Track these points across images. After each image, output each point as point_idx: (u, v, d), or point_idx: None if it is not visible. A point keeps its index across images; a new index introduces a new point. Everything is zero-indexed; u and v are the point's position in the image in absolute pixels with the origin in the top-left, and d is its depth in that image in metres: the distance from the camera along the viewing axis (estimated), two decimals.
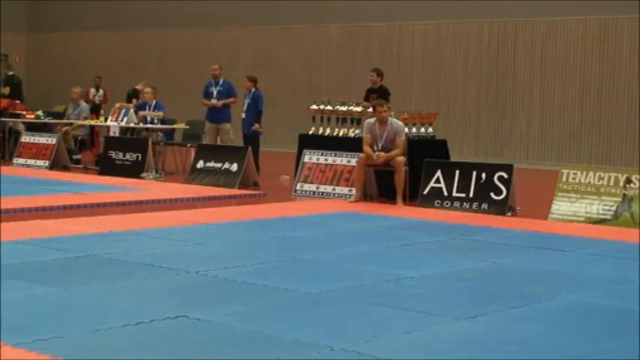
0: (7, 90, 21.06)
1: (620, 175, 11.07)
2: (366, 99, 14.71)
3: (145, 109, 16.85)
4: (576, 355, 5.06)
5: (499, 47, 20.55)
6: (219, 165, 14.20)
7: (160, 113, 16.60)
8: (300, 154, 13.75)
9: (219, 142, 15.85)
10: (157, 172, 15.44)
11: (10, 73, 22.06)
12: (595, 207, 10.97)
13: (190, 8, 25.45)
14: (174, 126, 17.34)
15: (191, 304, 5.89)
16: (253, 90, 15.93)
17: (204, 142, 15.71)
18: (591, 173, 11.28)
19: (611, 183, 11.01)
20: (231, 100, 16.25)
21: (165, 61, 26.10)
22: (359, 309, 6.01)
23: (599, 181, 11.12)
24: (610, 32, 19.12)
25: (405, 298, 6.44)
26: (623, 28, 18.94)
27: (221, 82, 16.33)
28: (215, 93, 16.17)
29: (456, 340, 5.32)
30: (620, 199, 10.84)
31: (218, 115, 16.14)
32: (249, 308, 5.89)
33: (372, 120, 12.57)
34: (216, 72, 16.35)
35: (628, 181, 10.93)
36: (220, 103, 16.05)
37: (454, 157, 13.60)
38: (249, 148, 14.39)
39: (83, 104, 18.53)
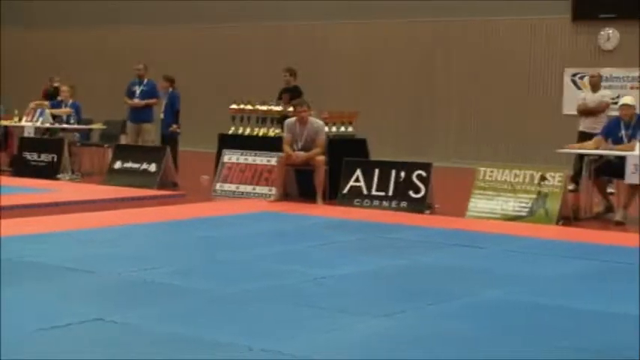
0: None
1: (535, 173, 11.29)
2: (280, 98, 14.80)
3: (60, 108, 16.64)
4: (493, 349, 5.15)
5: (418, 47, 20.73)
6: (137, 165, 14.08)
7: (68, 110, 16.39)
8: (219, 154, 13.73)
9: (140, 142, 15.73)
10: (73, 173, 15.25)
11: None
12: (511, 204, 11.17)
13: (108, 5, 25.14)
14: (91, 126, 17.13)
15: (110, 307, 5.86)
16: (170, 90, 15.85)
17: (125, 142, 15.60)
18: (507, 171, 11.48)
19: (527, 180, 11.22)
20: (153, 100, 16.15)
21: (81, 60, 25.73)
22: (279, 309, 6.04)
23: (514, 178, 11.33)
24: (524, 32, 19.43)
25: (325, 297, 6.48)
26: (540, 29, 19.28)
27: (145, 81, 16.19)
28: (138, 92, 16.02)
29: (375, 337, 5.37)
30: (535, 196, 11.06)
31: (140, 115, 16.00)
32: (169, 310, 5.88)
33: (293, 119, 12.62)
34: (140, 71, 16.24)
35: (543, 178, 11.16)
36: (143, 102, 15.95)
37: (374, 157, 13.70)
38: (168, 148, 14.32)
39: None
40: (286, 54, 21.89)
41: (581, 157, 12.40)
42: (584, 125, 14.14)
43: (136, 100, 15.95)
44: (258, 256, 8.10)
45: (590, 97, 14.35)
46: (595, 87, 14.49)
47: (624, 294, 6.75)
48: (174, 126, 15.58)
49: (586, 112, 14.19)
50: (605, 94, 14.49)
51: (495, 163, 13.62)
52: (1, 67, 25.94)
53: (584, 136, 13.57)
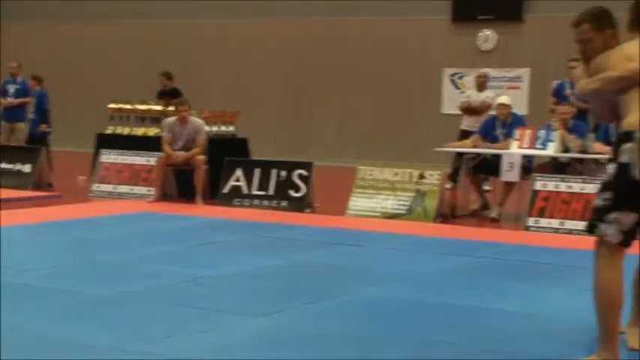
0: None
1: (414, 171, 11.47)
2: (160, 98, 14.73)
3: None
4: (372, 347, 5.21)
5: (298, 45, 20.81)
6: (11, 166, 13.76)
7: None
8: (96, 154, 13.52)
9: (13, 142, 15.40)
10: None
11: None
12: (390, 202, 11.31)
13: None
14: None
15: None
16: (38, 89, 15.59)
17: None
18: (387, 170, 11.63)
19: (406, 179, 11.39)
20: (27, 99, 15.88)
21: None
22: (156, 310, 5.99)
23: (394, 177, 11.49)
24: (404, 32, 19.70)
25: (203, 297, 6.45)
26: (419, 29, 19.58)
27: (19, 80, 15.96)
28: (12, 91, 15.77)
29: (252, 337, 5.38)
30: (414, 194, 11.23)
31: (14, 115, 15.76)
32: (43, 313, 5.76)
33: (173, 119, 12.52)
34: (14, 70, 15.95)
35: (421, 176, 11.34)
36: (17, 101, 15.66)
37: (255, 156, 13.71)
38: (43, 148, 14.03)
39: None
40: (164, 53, 21.73)
41: (459, 155, 12.63)
42: (466, 124, 14.42)
43: (10, 100, 15.64)
44: (137, 257, 8.01)
45: (474, 97, 14.63)
46: (481, 87, 14.73)
47: (498, 289, 6.91)
48: (44, 125, 15.33)
49: (469, 110, 14.47)
50: (489, 94, 14.84)
51: (375, 162, 13.77)
52: None
53: (466, 135, 13.82)
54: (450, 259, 8.31)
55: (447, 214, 11.28)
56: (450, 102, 18.21)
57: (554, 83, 13.25)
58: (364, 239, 9.41)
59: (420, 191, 11.19)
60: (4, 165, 13.79)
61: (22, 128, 15.81)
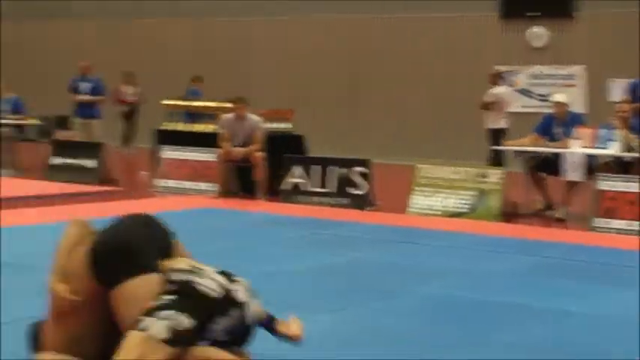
0: None
1: (474, 170, 11.34)
2: None
3: (1, 106, 16.40)
4: (433, 345, 5.16)
5: (355, 43, 20.71)
6: (76, 161, 13.90)
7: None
8: (154, 150, 13.56)
9: (86, 138, 15.74)
10: (14, 168, 14.97)
11: None
12: (451, 201, 11.18)
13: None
14: (26, 121, 16.79)
15: None
16: (194, 88, 16.35)
17: (72, 138, 15.55)
18: (447, 168, 11.50)
19: (467, 177, 11.25)
20: (99, 98, 16.30)
21: (13, 55, 25.24)
22: None
23: (454, 175, 11.35)
24: (456, 30, 19.52)
25: (266, 293, 6.35)
26: (468, 26, 19.38)
27: (92, 78, 16.38)
28: (83, 89, 16.11)
29: (317, 335, 5.31)
30: (475, 193, 11.08)
31: (88, 112, 16.13)
32: None
33: (230, 116, 12.51)
34: (85, 68, 16.30)
35: (483, 175, 11.19)
36: (87, 98, 16.10)
37: (313, 153, 13.65)
38: (105, 144, 14.17)
39: None
40: (219, 51, 21.78)
41: (496, 152, 13.08)
42: (489, 122, 15.09)
43: (82, 96, 16.03)
44: (199, 252, 7.92)
45: (489, 93, 15.17)
46: (494, 82, 15.26)
47: (564, 290, 6.80)
48: None
49: (484, 106, 15.09)
50: (501, 91, 15.01)
51: (430, 159, 13.62)
52: None
53: (490, 133, 14.67)
54: (515, 258, 8.19)
55: (510, 214, 11.10)
56: None
57: (629, 82, 13.01)
58: (426, 237, 9.34)
59: (482, 190, 11.04)
60: (69, 160, 13.92)
61: (96, 125, 16.14)
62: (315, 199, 11.95)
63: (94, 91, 16.30)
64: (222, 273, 4.29)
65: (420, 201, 11.34)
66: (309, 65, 21.12)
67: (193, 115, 14.60)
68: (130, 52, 23.19)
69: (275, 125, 13.47)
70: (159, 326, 3.83)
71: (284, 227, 9.81)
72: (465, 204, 11.06)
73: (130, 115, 18.51)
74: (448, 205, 11.16)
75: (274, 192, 12.29)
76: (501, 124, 14.87)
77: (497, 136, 14.68)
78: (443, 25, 19.61)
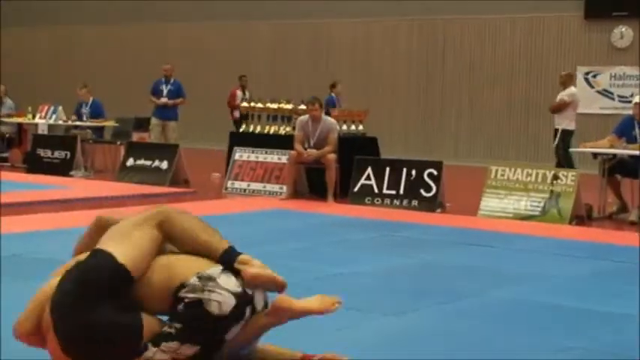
0: None
1: (547, 172, 11.19)
2: None
3: (81, 109, 16.73)
4: (504, 349, 5.08)
5: (429, 45, 20.64)
6: (149, 163, 14.04)
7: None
8: (230, 152, 13.64)
9: (163, 140, 15.98)
10: (85, 170, 15.21)
11: None
12: (523, 203, 11.05)
13: (125, 4, 25.12)
14: (104, 123, 17.07)
15: None
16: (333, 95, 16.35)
17: (148, 139, 15.72)
18: (519, 170, 11.37)
19: (539, 179, 11.11)
20: (180, 100, 16.57)
21: (93, 58, 25.71)
22: None
23: (526, 177, 11.21)
24: (537, 31, 19.30)
25: (339, 294, 6.36)
26: (551, 26, 19.14)
27: (172, 81, 16.65)
28: (165, 92, 16.45)
29: (385, 336, 5.31)
30: (547, 196, 10.93)
31: (167, 113, 16.44)
32: None
33: (305, 117, 12.52)
34: (168, 71, 16.61)
35: (555, 177, 11.03)
36: (171, 102, 16.42)
37: (384, 155, 13.61)
38: (179, 145, 14.29)
39: (8, 101, 18.19)
40: (294, 52, 21.85)
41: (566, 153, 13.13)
42: (556, 122, 14.90)
43: (164, 100, 16.38)
44: (269, 253, 7.95)
45: (559, 95, 14.98)
46: (564, 85, 15.08)
47: (636, 295, 6.62)
48: None
49: (551, 109, 15.09)
50: (569, 92, 14.83)
51: (506, 161, 13.49)
52: (3, 65, 25.89)
53: (562, 133, 14.54)
54: (587, 262, 8.06)
55: (584, 216, 10.92)
56: (584, 101, 17.67)
57: None
58: (497, 240, 9.24)
59: (555, 192, 10.89)
60: (142, 162, 14.08)
61: (174, 127, 16.43)
62: (386, 200, 11.91)
63: (175, 93, 16.56)
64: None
65: (492, 203, 11.23)
66: (383, 67, 21.09)
67: (269, 118, 14.66)
68: (209, 55, 23.45)
69: (348, 127, 13.46)
70: (160, 358, 3.90)
71: (354, 229, 9.79)
72: (537, 206, 10.92)
73: (242, 120, 18.44)
74: (520, 208, 11.03)
75: (345, 194, 12.28)
76: (571, 125, 14.69)
77: (566, 137, 14.50)
78: (524, 25, 19.42)
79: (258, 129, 14.02)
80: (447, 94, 20.43)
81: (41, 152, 15.51)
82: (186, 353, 3.93)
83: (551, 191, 10.94)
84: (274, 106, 14.08)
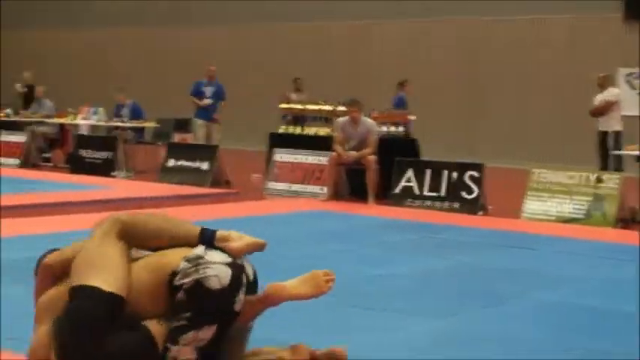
0: None
1: (590, 175, 11.08)
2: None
3: (120, 111, 16.86)
4: (550, 351, 5.05)
5: (470, 46, 20.55)
6: (189, 163, 14.10)
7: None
8: (270, 153, 13.66)
9: (205, 140, 16.14)
10: (127, 170, 15.30)
11: None
12: (566, 206, 10.96)
13: (163, 6, 25.29)
14: (145, 124, 17.18)
15: None
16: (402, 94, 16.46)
17: (194, 139, 16.01)
18: (561, 173, 11.27)
19: (582, 182, 11.00)
20: (223, 102, 16.79)
21: (132, 60, 25.89)
22: (333, 308, 5.92)
23: (569, 180, 11.12)
24: (581, 32, 19.15)
25: (377, 297, 6.39)
26: (591, 27, 18.97)
27: (215, 83, 16.75)
28: (208, 93, 16.55)
29: (428, 339, 5.29)
30: (591, 198, 10.83)
31: (211, 114, 16.57)
32: None
33: (345, 119, 12.51)
34: (212, 73, 16.73)
35: (599, 180, 10.93)
36: (211, 102, 16.58)
37: (426, 156, 13.55)
38: (219, 146, 14.36)
39: (46, 102, 18.36)
40: (332, 55, 21.86)
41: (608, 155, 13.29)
42: (601, 125, 14.73)
43: (207, 101, 16.52)
44: (310, 254, 8.01)
45: (598, 98, 14.81)
46: (602, 87, 14.94)
47: None
48: None
49: (594, 112, 14.74)
50: (611, 93, 14.72)
51: (548, 164, 13.37)
52: (42, 67, 26.14)
53: (601, 136, 14.48)
54: (631, 265, 7.93)
55: (628, 219, 10.80)
56: (626, 103, 17.45)
57: None
58: (539, 243, 9.21)
59: (598, 195, 10.78)
60: (183, 162, 14.15)
61: (218, 128, 16.61)
62: (427, 202, 11.86)
63: (217, 95, 16.64)
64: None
65: (534, 206, 11.14)
66: (425, 68, 21.02)
67: (306, 119, 14.66)
68: (251, 55, 23.53)
69: (388, 129, 13.44)
70: (186, 352, 3.85)
71: (394, 231, 9.76)
72: (580, 209, 10.82)
73: (295, 122, 18.26)
74: (563, 211, 10.94)
75: (385, 195, 12.25)
76: (617, 127, 14.52)
77: (610, 139, 14.34)
78: (565, 26, 19.28)
79: (298, 130, 14.04)
80: (489, 95, 20.32)
81: (83, 153, 15.64)
82: (206, 337, 3.87)
83: (595, 194, 10.83)
84: (314, 107, 14.10)
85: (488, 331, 5.48)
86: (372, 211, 11.46)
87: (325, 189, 12.53)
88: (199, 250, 3.97)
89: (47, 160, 17.26)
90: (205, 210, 11.03)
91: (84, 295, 3.86)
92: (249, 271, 4.11)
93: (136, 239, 4.05)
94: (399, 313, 5.85)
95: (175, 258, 3.94)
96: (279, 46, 23.29)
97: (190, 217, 9.95)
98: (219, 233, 4.10)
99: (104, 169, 15.08)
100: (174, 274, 3.88)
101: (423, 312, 5.90)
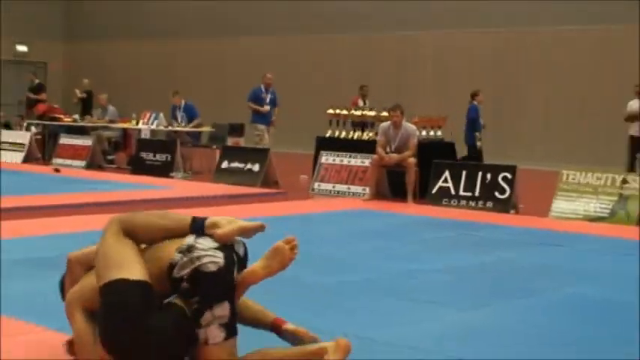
0: (43, 96, 21.30)
1: (617, 176, 11.07)
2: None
3: (176, 112, 17.07)
4: (574, 342, 5.08)
5: (503, 54, 20.51)
6: (242, 165, 14.25)
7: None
8: (317, 156, 13.78)
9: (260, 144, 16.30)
10: (184, 171, 15.50)
11: (37, 80, 22.37)
12: (592, 205, 10.96)
13: (217, 18, 25.50)
14: (201, 129, 17.40)
15: None
16: (475, 104, 16.44)
17: (256, 143, 16.21)
18: (590, 174, 11.27)
19: (608, 183, 11.00)
20: (276, 109, 16.94)
21: (190, 69, 26.15)
22: (372, 299, 6.04)
23: (597, 181, 11.11)
24: (609, 41, 19.03)
25: (416, 290, 6.44)
26: (622, 36, 18.85)
27: (271, 90, 16.85)
28: (267, 100, 16.67)
29: (462, 329, 5.33)
30: (616, 199, 10.83)
31: (269, 120, 16.67)
32: (269, 293, 5.90)
33: (387, 123, 12.61)
34: (269, 80, 16.82)
35: (624, 181, 10.92)
36: (270, 109, 16.73)
37: (461, 159, 13.59)
38: (270, 149, 14.49)
39: (110, 108, 18.64)
40: (379, 63, 21.91)
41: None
42: (633, 130, 14.65)
43: (267, 107, 16.62)
44: (353, 251, 8.11)
45: (634, 105, 14.72)
46: (639, 95, 14.91)
47: None
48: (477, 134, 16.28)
49: (631, 118, 14.63)
50: None
51: (578, 166, 13.36)
52: (109, 76, 26.52)
53: (634, 141, 14.37)
54: None
55: None
56: None
57: None
58: (567, 240, 9.18)
59: (623, 195, 10.77)
60: (236, 164, 14.30)
61: (273, 132, 16.80)
62: (462, 202, 11.91)
63: (273, 102, 16.76)
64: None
65: (563, 205, 11.15)
66: (461, 74, 21.03)
67: (356, 123, 14.78)
68: (300, 67, 23.64)
69: (427, 133, 13.52)
70: (213, 333, 3.93)
71: (432, 228, 9.81)
72: (606, 209, 10.82)
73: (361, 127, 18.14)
74: (589, 210, 10.94)
75: (423, 195, 12.32)
76: None
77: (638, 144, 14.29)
78: (594, 35, 19.17)
79: (343, 134, 14.15)
80: (521, 100, 20.26)
81: (144, 155, 15.86)
82: (224, 314, 3.93)
83: (620, 194, 10.83)
84: (358, 112, 14.20)
85: (520, 323, 5.52)
86: (410, 210, 11.53)
87: (367, 189, 12.63)
88: (190, 239, 4.03)
89: (111, 162, 17.52)
90: (255, 209, 11.16)
91: (114, 289, 3.93)
92: (240, 249, 4.16)
93: (135, 235, 4.12)
94: (435, 305, 5.90)
95: (170, 250, 4.01)
96: (326, 57, 23.39)
97: (241, 215, 10.13)
98: (208, 221, 4.13)
99: (163, 170, 15.27)
100: (171, 266, 3.97)
101: (457, 304, 5.94)
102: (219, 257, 3.96)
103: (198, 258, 3.94)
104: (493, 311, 5.82)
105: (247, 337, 4.20)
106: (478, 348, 4.89)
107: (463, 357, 4.69)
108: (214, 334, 3.92)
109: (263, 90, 16.75)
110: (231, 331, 3.98)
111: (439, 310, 5.78)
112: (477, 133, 16.00)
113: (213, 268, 3.92)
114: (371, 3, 22.42)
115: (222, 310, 3.93)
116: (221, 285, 3.96)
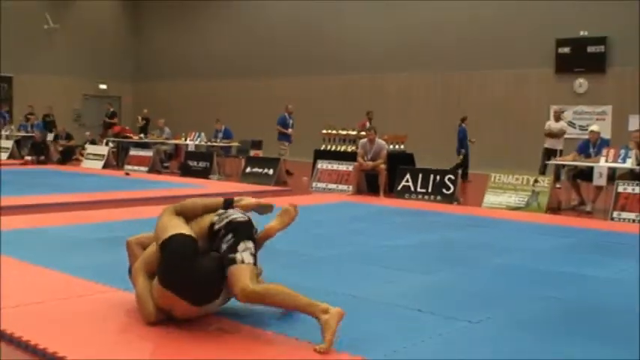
0: (115, 120, 21.45)
1: (530, 177, 11.03)
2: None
3: (217, 134, 17.02)
4: (503, 296, 5.05)
5: (445, 93, 20.48)
6: (261, 170, 14.22)
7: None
8: (315, 163, 13.74)
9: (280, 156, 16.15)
10: (219, 175, 15.45)
11: (112, 109, 22.60)
12: (513, 198, 10.92)
13: (250, 62, 25.40)
14: (231, 144, 17.33)
15: None
16: (463, 126, 16.42)
17: (282, 155, 16.17)
18: (511, 176, 11.23)
19: (525, 182, 10.96)
20: (292, 130, 17.04)
21: (227, 101, 26.05)
22: (354, 266, 6.01)
23: (516, 181, 11.07)
24: (522, 81, 19.00)
25: (385, 259, 6.43)
26: (532, 78, 18.83)
27: (292, 116, 17.01)
28: (291, 124, 16.83)
29: (419, 287, 5.32)
30: (530, 193, 10.79)
31: (291, 139, 16.85)
32: (281, 264, 5.87)
33: (365, 140, 12.58)
34: (292, 109, 17.10)
35: (536, 181, 10.88)
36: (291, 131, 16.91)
37: (419, 165, 13.54)
38: (282, 159, 14.42)
39: (166, 129, 18.59)
40: (358, 97, 21.84)
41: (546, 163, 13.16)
42: (548, 144, 14.30)
43: (291, 130, 16.79)
44: (340, 231, 8.07)
45: (553, 125, 14.44)
46: (557, 118, 14.61)
47: (591, 261, 6.55)
48: (462, 150, 16.46)
49: (551, 134, 14.32)
50: (563, 124, 14.50)
51: (502, 169, 13.30)
52: (167, 105, 26.41)
53: (548, 152, 13.98)
54: (558, 239, 7.93)
55: (555, 208, 10.75)
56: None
57: None
58: (495, 224, 9.14)
59: (535, 191, 10.74)
60: (256, 169, 14.27)
61: (290, 148, 16.84)
62: (419, 196, 11.87)
63: (292, 126, 16.91)
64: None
65: (492, 198, 11.11)
66: (419, 107, 20.97)
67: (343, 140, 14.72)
68: (306, 99, 23.58)
69: (394, 146, 13.47)
70: (246, 256, 3.99)
71: (398, 215, 9.77)
72: (523, 201, 10.79)
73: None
74: (511, 202, 10.90)
75: (391, 191, 12.28)
76: (559, 146, 14.23)
77: (552, 154, 14.13)
78: (513, 78, 19.15)
79: (334, 147, 14.10)
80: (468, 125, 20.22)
81: (190, 163, 15.80)
82: (252, 247, 4.04)
83: (533, 190, 10.79)
84: (344, 132, 14.15)
85: (461, 283, 5.50)
86: (382, 201, 11.48)
87: (351, 187, 12.59)
88: (222, 210, 4.26)
89: (166, 168, 17.46)
90: (269, 201, 11.05)
91: (173, 240, 3.99)
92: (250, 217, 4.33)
93: (185, 213, 4.23)
94: (400, 270, 5.88)
95: (210, 216, 4.19)
96: (330, 93, 23.29)
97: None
98: (236, 198, 4.42)
99: (203, 174, 15.22)
100: (212, 224, 4.12)
101: (416, 269, 5.92)
102: (243, 215, 4.20)
103: (229, 215, 4.16)
104: (443, 275, 5.79)
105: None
106: (433, 302, 4.87)
107: (422, 308, 4.66)
108: (247, 257, 3.99)
109: (287, 117, 16.78)
110: (255, 261, 4.07)
111: (404, 274, 5.76)
112: (463, 150, 16.02)
113: (242, 219, 4.14)
114: (350, 51, 22.33)
115: (250, 244, 4.05)
116: (248, 229, 4.11)
